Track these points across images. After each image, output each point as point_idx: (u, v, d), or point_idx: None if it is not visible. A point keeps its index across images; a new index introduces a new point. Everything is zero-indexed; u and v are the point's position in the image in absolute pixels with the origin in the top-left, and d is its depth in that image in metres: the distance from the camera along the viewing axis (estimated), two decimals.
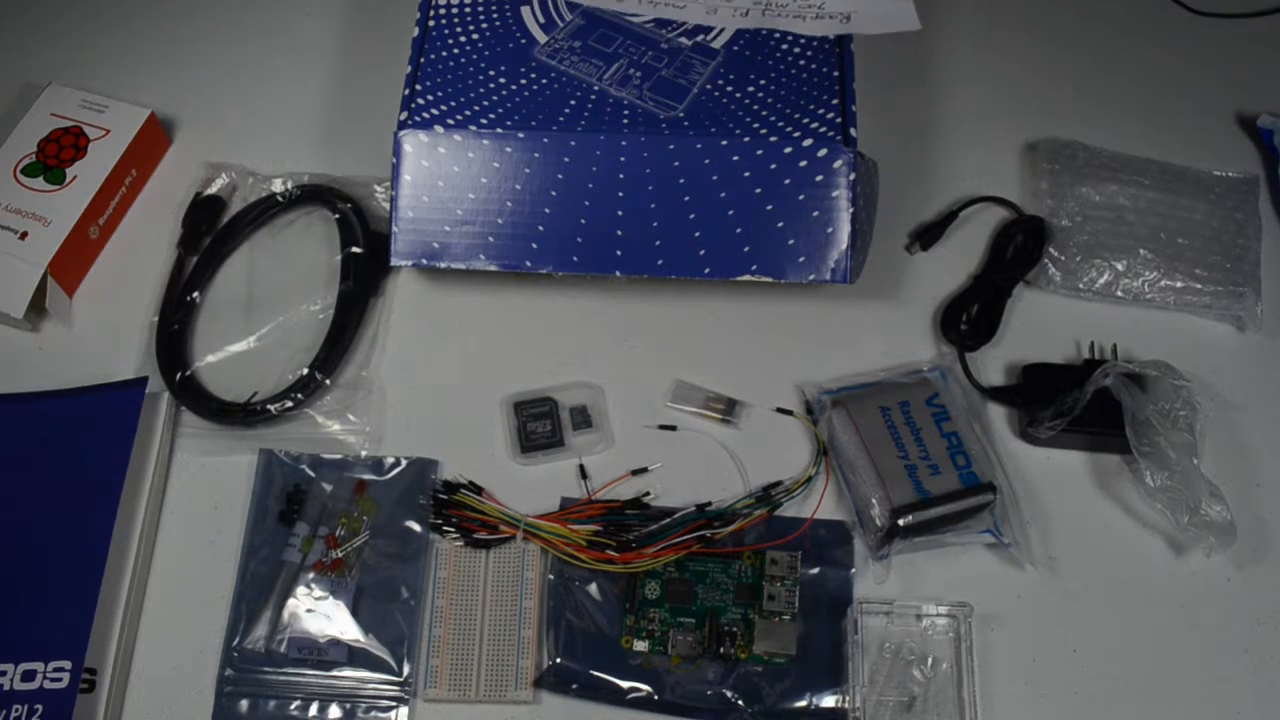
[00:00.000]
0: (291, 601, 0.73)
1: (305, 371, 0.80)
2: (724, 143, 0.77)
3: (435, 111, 0.79)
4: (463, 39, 0.83)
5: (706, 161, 0.77)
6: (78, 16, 0.99)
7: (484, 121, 0.78)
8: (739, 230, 0.77)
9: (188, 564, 0.75)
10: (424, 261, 0.78)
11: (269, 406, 0.79)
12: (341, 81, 0.95)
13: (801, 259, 0.77)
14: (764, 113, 0.78)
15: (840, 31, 0.83)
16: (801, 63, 0.82)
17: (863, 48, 0.83)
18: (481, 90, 0.80)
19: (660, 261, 0.78)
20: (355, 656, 0.72)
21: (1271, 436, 0.80)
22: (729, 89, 0.80)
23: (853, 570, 0.75)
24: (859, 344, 0.83)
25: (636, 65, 0.82)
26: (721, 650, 0.72)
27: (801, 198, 0.77)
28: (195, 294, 0.84)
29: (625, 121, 0.78)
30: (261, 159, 0.90)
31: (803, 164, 0.76)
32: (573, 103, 0.80)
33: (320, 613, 0.73)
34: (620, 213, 0.77)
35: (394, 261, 0.79)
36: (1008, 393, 0.80)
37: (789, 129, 0.77)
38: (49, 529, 0.74)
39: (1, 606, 0.71)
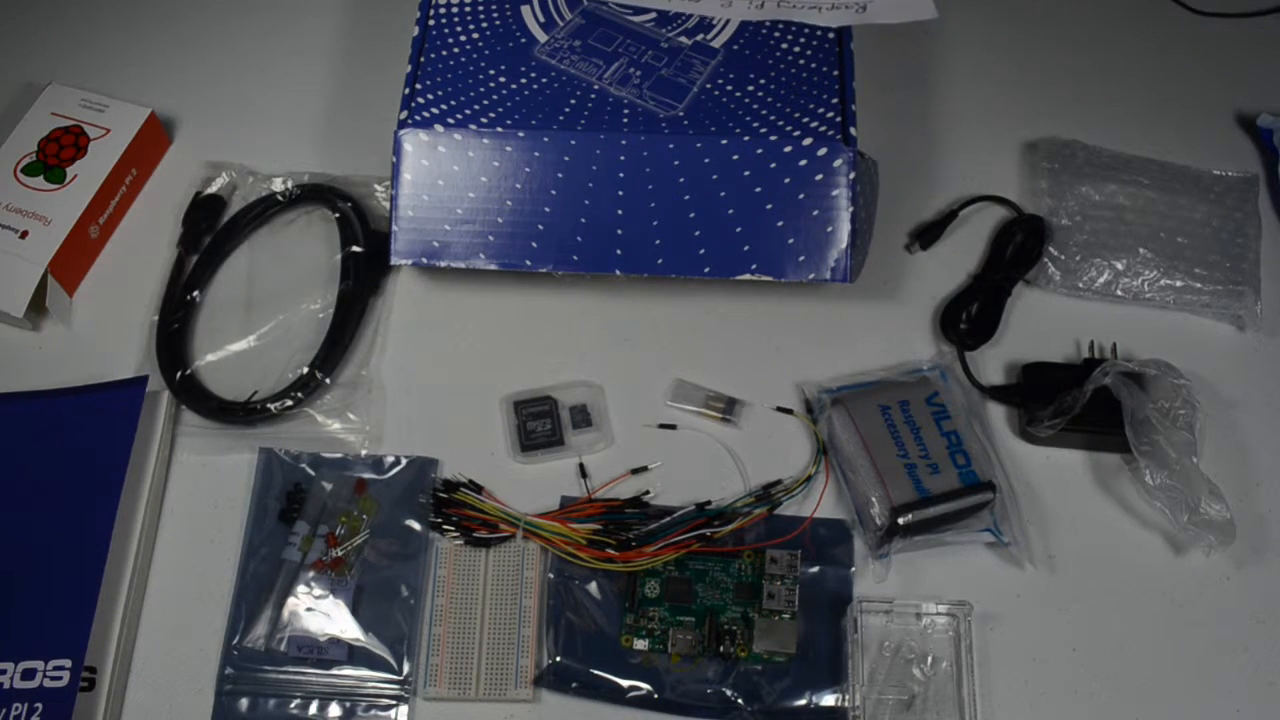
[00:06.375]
0: (291, 600, 0.73)
1: (305, 370, 0.80)
2: (724, 142, 0.77)
3: (435, 111, 0.79)
4: (463, 38, 0.83)
5: (706, 160, 0.77)
6: (78, 16, 0.99)
7: (484, 120, 0.78)
8: (739, 229, 0.77)
9: (188, 563, 0.75)
10: (424, 260, 0.78)
11: (269, 405, 0.79)
12: (341, 81, 0.95)
13: (801, 258, 0.77)
14: (764, 112, 0.79)
15: (856, 22, 0.83)
16: (801, 62, 0.82)
17: (863, 46, 0.83)
18: (481, 89, 0.80)
19: (660, 261, 0.78)
20: (355, 655, 0.72)
21: (1271, 435, 0.80)
22: (729, 88, 0.80)
23: (852, 569, 0.75)
24: (859, 343, 0.83)
25: (636, 64, 0.82)
26: (721, 649, 0.72)
27: (801, 197, 0.77)
28: (195, 293, 0.84)
29: (625, 120, 0.78)
30: (262, 158, 0.90)
31: (803, 163, 0.76)
32: (573, 102, 0.80)
33: (320, 611, 0.73)
34: (620, 212, 0.77)
35: (394, 260, 0.79)
36: (1007, 392, 0.80)
37: (789, 128, 0.77)
38: (49, 528, 0.74)
39: (2, 605, 0.71)
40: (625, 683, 0.71)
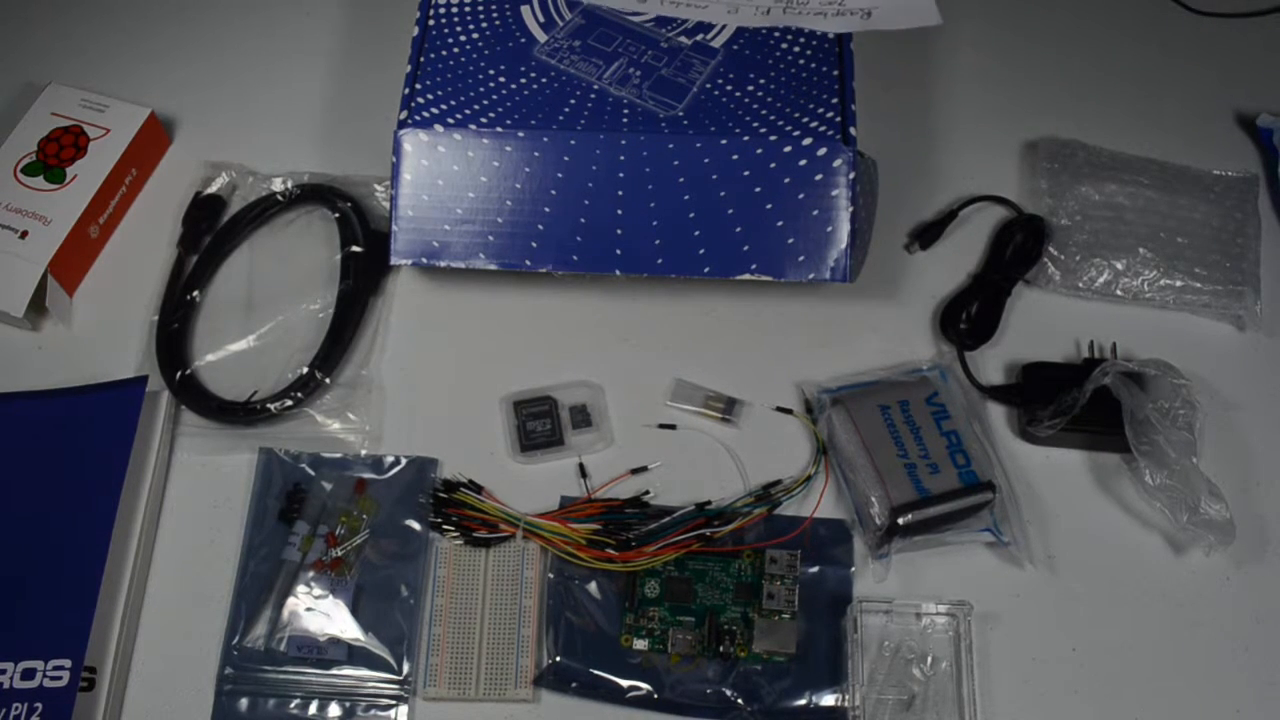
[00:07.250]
0: (291, 600, 0.73)
1: (305, 370, 0.80)
2: (723, 141, 0.77)
3: (435, 110, 0.79)
4: (463, 38, 0.83)
5: (706, 160, 0.77)
6: (78, 16, 0.99)
7: (484, 120, 0.78)
8: (738, 229, 0.77)
9: (187, 563, 0.75)
10: (424, 260, 0.78)
11: (269, 405, 0.79)
12: (341, 81, 0.95)
13: (801, 258, 0.77)
14: (763, 111, 0.79)
15: (862, 28, 0.83)
16: (801, 62, 0.82)
17: (863, 46, 0.83)
18: (481, 89, 0.80)
19: (660, 260, 0.78)
20: (355, 655, 0.72)
21: (1270, 435, 0.80)
22: (728, 88, 0.80)
23: (852, 569, 0.75)
24: (859, 343, 0.83)
25: (636, 64, 0.82)
26: (721, 649, 0.72)
27: (801, 196, 0.77)
28: (195, 293, 0.84)
29: (625, 120, 0.78)
30: (262, 158, 0.90)
31: (802, 163, 0.76)
32: (572, 102, 0.80)
33: (320, 611, 0.73)
34: (620, 212, 0.77)
35: (394, 260, 0.79)
36: (1007, 392, 0.80)
37: (789, 128, 0.77)
38: (49, 528, 0.74)
39: (2, 605, 0.71)
40: (625, 683, 0.71)
